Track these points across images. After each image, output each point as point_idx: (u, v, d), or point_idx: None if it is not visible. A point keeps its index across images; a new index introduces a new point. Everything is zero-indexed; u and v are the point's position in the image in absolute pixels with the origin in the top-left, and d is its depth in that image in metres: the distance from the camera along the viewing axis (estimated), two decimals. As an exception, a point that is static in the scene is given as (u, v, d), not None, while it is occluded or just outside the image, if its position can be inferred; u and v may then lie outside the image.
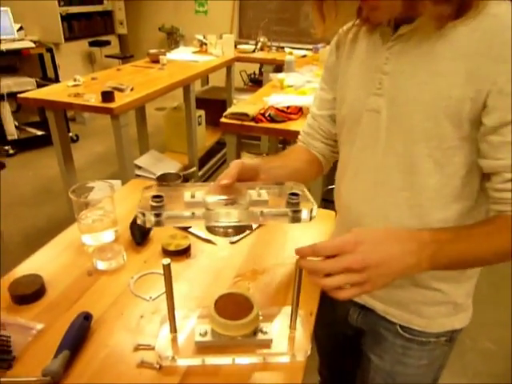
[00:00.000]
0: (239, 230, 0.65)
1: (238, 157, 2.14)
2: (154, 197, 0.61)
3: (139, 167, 2.98)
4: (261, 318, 0.73)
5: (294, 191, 0.64)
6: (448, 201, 0.69)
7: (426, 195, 0.69)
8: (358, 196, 0.78)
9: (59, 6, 4.20)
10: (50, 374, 0.64)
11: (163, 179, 1.19)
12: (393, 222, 0.73)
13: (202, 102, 3.55)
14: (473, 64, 0.58)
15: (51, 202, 3.15)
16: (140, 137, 3.47)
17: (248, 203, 0.62)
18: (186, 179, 1.18)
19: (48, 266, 0.92)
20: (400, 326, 0.82)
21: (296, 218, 0.61)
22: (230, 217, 0.61)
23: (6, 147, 3.84)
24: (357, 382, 0.98)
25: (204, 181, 3.46)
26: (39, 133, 4.05)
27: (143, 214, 0.60)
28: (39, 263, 0.93)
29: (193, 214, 0.60)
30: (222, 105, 3.85)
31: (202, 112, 3.46)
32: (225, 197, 0.64)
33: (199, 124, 3.40)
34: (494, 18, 0.57)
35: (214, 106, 3.88)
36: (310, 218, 0.61)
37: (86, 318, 0.75)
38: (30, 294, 0.81)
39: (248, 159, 0.72)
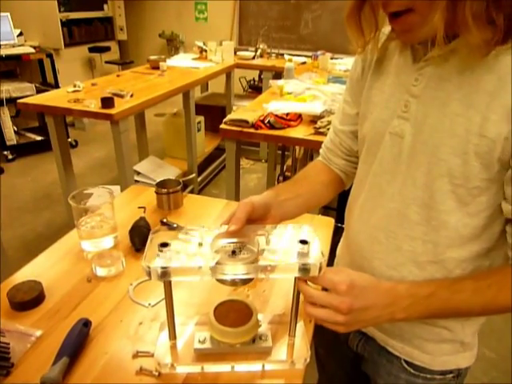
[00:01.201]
0: (247, 280, 0.64)
1: (238, 163, 2.14)
2: (162, 245, 0.61)
3: (138, 173, 2.98)
4: (260, 325, 0.73)
5: (303, 238, 0.63)
6: (466, 241, 0.65)
7: (444, 233, 0.64)
8: (371, 222, 0.73)
9: (59, 11, 4.22)
10: (49, 381, 0.64)
11: (163, 185, 1.19)
12: (405, 256, 0.69)
13: (201, 108, 3.56)
14: (509, 99, 0.52)
15: (50, 207, 3.15)
16: (139, 142, 3.47)
17: (257, 252, 0.62)
18: (186, 185, 1.18)
19: (47, 272, 0.92)
20: (405, 360, 0.78)
21: (305, 272, 0.60)
22: (237, 270, 0.60)
23: (5, 152, 3.84)
24: None
25: (202, 188, 3.47)
26: (38, 138, 4.05)
27: (149, 267, 0.60)
28: (38, 269, 0.93)
29: (200, 267, 0.60)
30: (222, 111, 3.86)
31: (201, 118, 3.47)
32: (234, 240, 0.64)
33: (198, 130, 3.41)
34: None
35: (213, 112, 3.90)
36: (319, 271, 0.60)
37: (85, 324, 0.75)
38: (29, 300, 0.81)
39: (257, 197, 0.71)
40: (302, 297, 0.68)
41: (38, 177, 3.64)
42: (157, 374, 0.69)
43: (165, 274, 0.60)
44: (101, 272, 0.91)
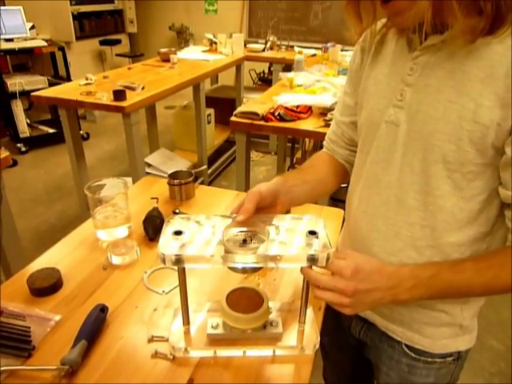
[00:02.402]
0: (257, 268, 0.66)
1: (248, 155, 2.15)
2: (176, 233, 0.65)
3: (149, 165, 3.02)
4: (271, 312, 0.75)
5: (312, 229, 0.66)
6: (463, 225, 0.66)
7: (441, 217, 0.66)
8: (369, 210, 0.75)
9: (70, 4, 4.25)
10: (69, 362, 0.67)
11: (175, 177, 1.21)
12: (404, 241, 0.70)
13: (211, 101, 3.58)
14: (504, 87, 0.53)
15: (62, 199, 3.20)
16: (150, 135, 3.50)
17: (267, 242, 0.64)
18: (196, 177, 1.21)
19: (64, 260, 0.95)
20: (406, 344, 0.80)
21: (313, 262, 0.62)
22: (247, 259, 0.62)
23: (19, 145, 3.90)
24: None
25: (212, 180, 3.49)
26: (51, 130, 4.11)
27: (163, 254, 0.62)
28: (55, 257, 0.96)
29: (211, 256, 0.62)
30: (231, 103, 3.88)
31: (211, 110, 3.49)
32: (244, 229, 0.66)
33: (208, 122, 3.42)
34: None
35: (223, 104, 3.91)
36: (326, 262, 0.62)
37: (102, 310, 0.78)
38: (47, 286, 0.84)
39: (265, 184, 0.71)
40: (310, 286, 0.71)
41: (50, 169, 3.69)
42: (171, 357, 0.71)
43: (178, 261, 0.63)
44: (116, 260, 0.94)
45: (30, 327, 0.76)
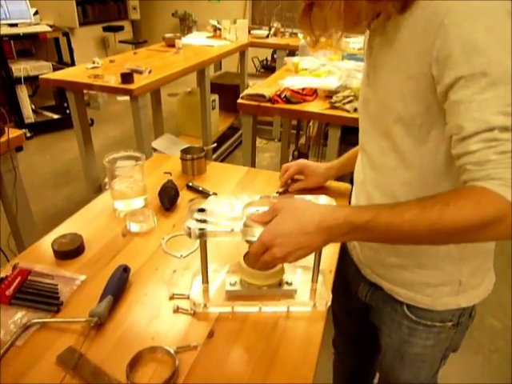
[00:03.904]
0: None
1: (254, 138, 2.19)
2: (199, 210, 0.73)
3: (155, 150, 3.05)
4: (285, 272, 0.79)
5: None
6: (437, 178, 0.70)
7: (415, 173, 0.72)
8: (366, 177, 0.84)
9: (74, -10, 4.25)
10: (97, 314, 0.72)
11: (187, 152, 1.25)
12: (389, 201, 0.74)
13: (215, 87, 3.59)
14: (418, 44, 0.62)
15: (69, 183, 3.24)
16: (155, 121, 3.53)
17: None
18: (205, 155, 1.25)
19: (85, 228, 0.99)
20: (407, 306, 0.84)
21: None
22: None
23: (24, 130, 3.93)
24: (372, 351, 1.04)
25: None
26: (55, 116, 4.13)
27: (189, 228, 0.70)
28: (76, 225, 1.00)
29: (232, 230, 0.70)
30: (235, 90, 3.89)
31: (215, 96, 3.51)
32: (263, 207, 0.72)
33: (213, 108, 3.45)
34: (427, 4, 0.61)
35: (227, 91, 3.92)
36: None
37: (125, 270, 0.82)
38: (72, 249, 0.89)
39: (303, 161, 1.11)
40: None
41: (56, 154, 3.73)
42: (192, 312, 0.76)
43: (202, 235, 0.71)
44: (134, 228, 0.98)
45: (57, 285, 0.80)
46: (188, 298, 0.78)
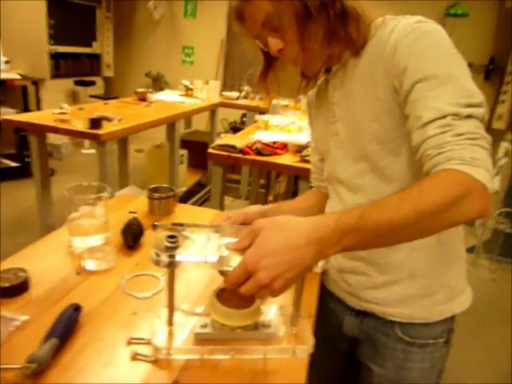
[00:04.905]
0: None
1: (223, 190, 2.14)
2: (169, 237, 0.64)
3: (118, 201, 2.93)
4: (262, 312, 0.71)
5: None
6: None
7: (396, 184, 0.76)
8: (346, 203, 0.85)
9: (49, 44, 4.29)
10: (37, 360, 0.59)
11: (156, 191, 1.18)
12: None
13: (184, 144, 3.60)
14: (380, 69, 0.72)
15: (24, 232, 3.03)
16: (121, 173, 3.44)
17: None
18: (175, 194, 1.19)
19: (33, 263, 0.87)
20: (399, 327, 0.83)
21: None
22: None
23: (-21, 177, 3.72)
24: None
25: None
26: (14, 164, 3.96)
27: (157, 255, 0.62)
28: (24, 261, 0.88)
29: (205, 257, 0.62)
30: (204, 147, 3.90)
31: (184, 151, 3.51)
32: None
33: (181, 163, 3.42)
34: (377, 35, 0.74)
35: (195, 148, 3.94)
36: None
37: (76, 309, 0.71)
38: (13, 285, 0.77)
39: (255, 206, 0.91)
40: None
41: (13, 202, 3.51)
42: (153, 359, 0.65)
43: (172, 264, 0.62)
44: (91, 265, 0.88)
45: (-8, 325, 0.67)
46: (149, 343, 0.67)
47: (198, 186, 3.92)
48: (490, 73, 4.43)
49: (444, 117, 0.61)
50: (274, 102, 2.86)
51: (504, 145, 3.39)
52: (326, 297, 0.94)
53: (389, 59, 0.70)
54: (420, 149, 0.65)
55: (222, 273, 0.63)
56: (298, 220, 0.59)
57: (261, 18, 0.74)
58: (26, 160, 3.80)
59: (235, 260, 0.60)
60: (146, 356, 0.65)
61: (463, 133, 0.60)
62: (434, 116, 0.62)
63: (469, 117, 0.61)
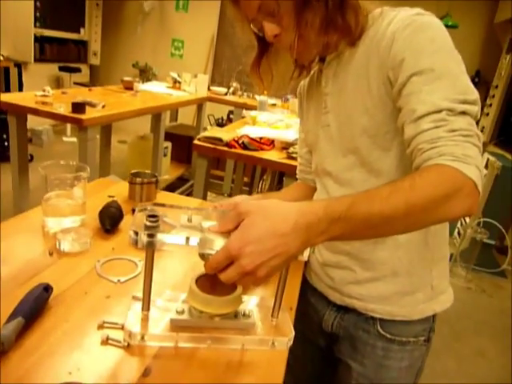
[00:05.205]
0: None
1: (207, 184, 2.11)
2: (150, 216, 0.59)
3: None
4: (243, 301, 0.68)
5: None
6: None
7: (385, 179, 0.74)
8: (334, 195, 0.83)
9: (35, 26, 4.17)
10: (0, 339, 0.55)
11: (137, 175, 1.14)
12: None
13: (168, 136, 3.55)
14: (375, 61, 0.71)
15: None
16: (102, 163, 3.36)
17: None
18: (157, 181, 1.15)
19: (3, 241, 0.82)
20: (380, 324, 0.82)
21: None
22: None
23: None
24: None
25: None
26: (-10, 148, 3.83)
27: (136, 233, 0.58)
28: (-8, 239, 0.83)
29: (187, 238, 0.58)
30: (189, 141, 3.87)
31: (168, 144, 3.45)
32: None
33: (165, 155, 3.37)
34: (375, 26, 0.73)
35: (180, 141, 3.89)
36: None
37: (46, 289, 0.67)
38: (-20, 263, 0.72)
39: (242, 196, 0.90)
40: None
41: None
42: (125, 344, 0.61)
43: (151, 244, 0.58)
44: (65, 246, 0.83)
45: (-48, 302, 0.63)
46: (122, 327, 0.64)
47: (181, 181, 3.87)
48: (475, 86, 4.48)
49: (438, 111, 0.61)
50: (263, 98, 2.84)
51: (485, 156, 3.46)
52: (308, 291, 0.93)
53: (385, 50, 0.69)
54: (412, 142, 0.64)
55: (202, 257, 0.59)
56: (285, 205, 0.57)
57: (257, 1, 0.71)
58: (6, 144, 3.68)
59: (218, 243, 0.57)
60: (117, 341, 0.62)
61: (457, 129, 0.59)
62: (428, 110, 0.61)
63: (463, 113, 0.61)
